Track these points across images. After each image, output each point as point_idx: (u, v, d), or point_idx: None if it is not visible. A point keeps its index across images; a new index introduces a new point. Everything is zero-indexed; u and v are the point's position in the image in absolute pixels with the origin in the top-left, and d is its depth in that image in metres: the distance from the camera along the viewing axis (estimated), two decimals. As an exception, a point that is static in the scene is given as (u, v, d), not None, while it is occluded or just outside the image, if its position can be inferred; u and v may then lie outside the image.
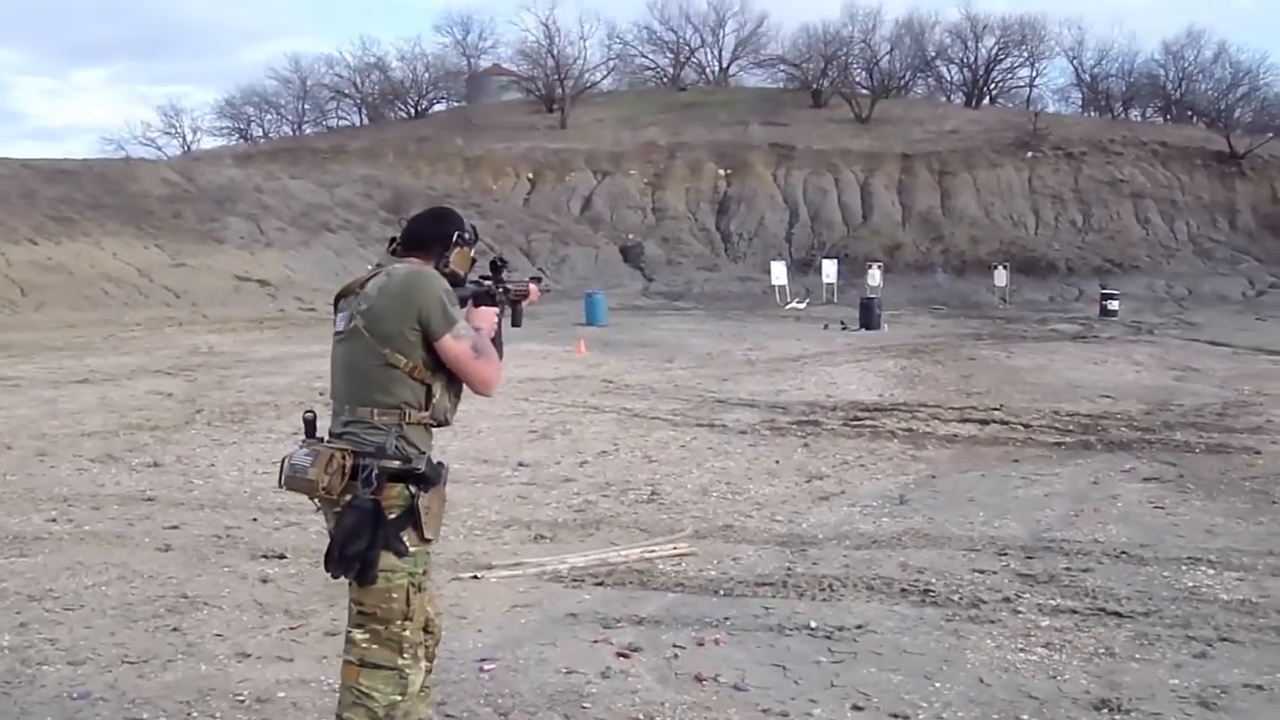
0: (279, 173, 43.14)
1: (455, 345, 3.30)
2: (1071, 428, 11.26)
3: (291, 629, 5.30)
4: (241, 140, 66.01)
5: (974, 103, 59.28)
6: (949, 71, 64.12)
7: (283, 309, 29.80)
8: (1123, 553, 6.63)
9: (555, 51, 57.40)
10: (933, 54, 61.65)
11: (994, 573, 6.25)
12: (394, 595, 3.29)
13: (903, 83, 62.13)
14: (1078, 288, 37.33)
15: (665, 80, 65.85)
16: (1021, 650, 5.01)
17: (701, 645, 5.09)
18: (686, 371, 16.64)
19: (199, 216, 36.03)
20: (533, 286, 3.90)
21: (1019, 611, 5.54)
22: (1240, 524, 7.39)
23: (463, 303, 3.48)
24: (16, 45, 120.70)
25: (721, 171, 46.33)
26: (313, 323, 24.55)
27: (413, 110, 62.80)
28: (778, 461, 9.71)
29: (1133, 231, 41.95)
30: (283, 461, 3.33)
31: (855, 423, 11.60)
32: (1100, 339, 23.20)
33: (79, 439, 10.47)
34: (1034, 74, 62.50)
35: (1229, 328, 25.73)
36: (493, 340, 3.51)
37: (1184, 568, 6.29)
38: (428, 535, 3.32)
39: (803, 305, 34.17)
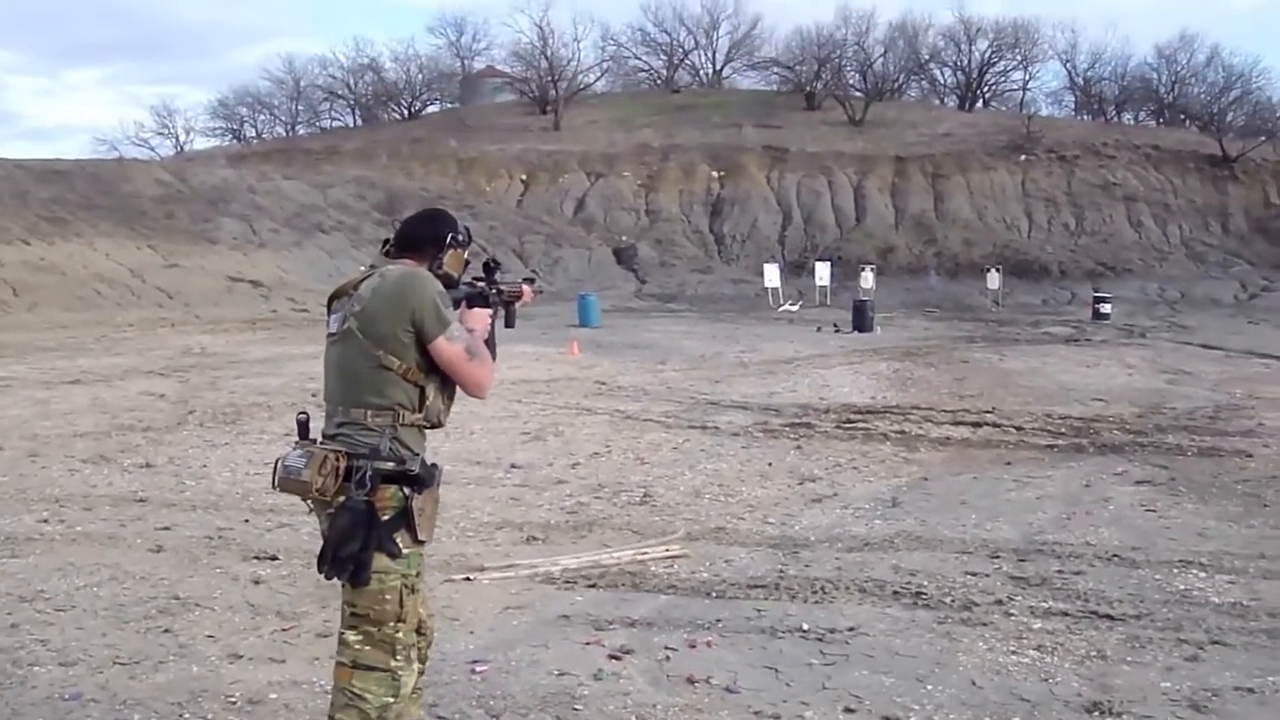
0: (272, 173, 43.09)
1: (449, 347, 3.30)
2: (1064, 430, 11.28)
3: (283, 630, 5.29)
4: (235, 141, 65.93)
5: (967, 106, 59.35)
6: (942, 74, 64.23)
7: (275, 310, 29.76)
8: (1115, 555, 6.64)
9: (549, 53, 57.42)
10: (926, 57, 61.73)
11: (986, 575, 6.26)
12: (387, 597, 3.29)
13: (896, 85, 62.23)
14: (1070, 291, 37.38)
15: (659, 82, 65.81)
16: (1013, 653, 5.02)
17: (694, 647, 5.09)
18: (679, 373, 16.65)
19: (192, 217, 35.98)
20: (526, 288, 3.90)
21: (1011, 614, 5.55)
22: (1232, 527, 7.40)
23: (456, 304, 3.48)
24: (9, 45, 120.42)
25: (715, 173, 46.34)
26: (305, 324, 24.51)
27: (406, 111, 62.72)
28: (770, 464, 9.72)
29: (1125, 235, 42.03)
30: (276, 463, 3.33)
31: (848, 425, 11.61)
32: (1093, 342, 23.24)
33: (71, 440, 10.45)
34: (1027, 77, 62.63)
35: (1221, 331, 25.80)
36: (486, 342, 3.51)
37: (1176, 571, 6.30)
38: (421, 537, 3.32)
39: (796, 307, 34.19)
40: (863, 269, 35.37)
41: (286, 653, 5.00)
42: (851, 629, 5.33)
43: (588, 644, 5.13)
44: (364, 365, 3.29)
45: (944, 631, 5.30)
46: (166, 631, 5.26)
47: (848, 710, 4.41)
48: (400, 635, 3.33)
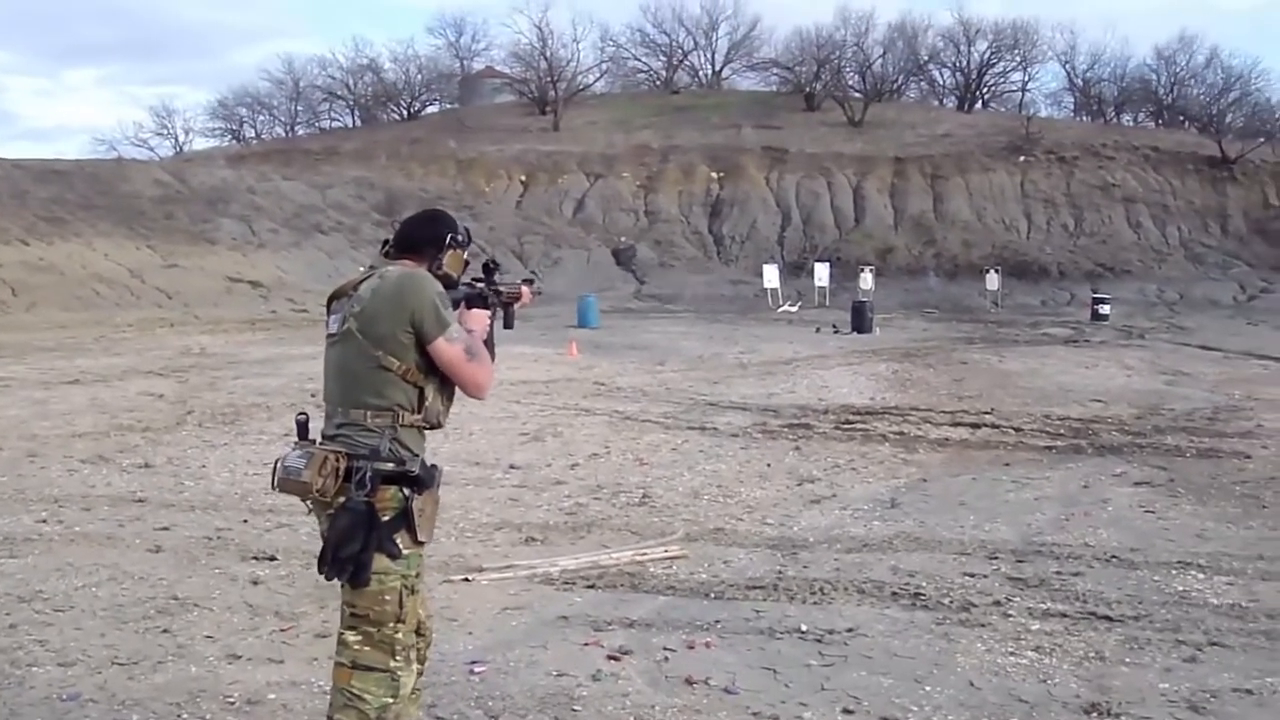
0: (271, 174, 43.09)
1: (448, 348, 3.30)
2: (1062, 432, 11.29)
3: (282, 631, 5.29)
4: (234, 141, 65.94)
5: (966, 107, 59.36)
6: (941, 75, 64.26)
7: (275, 310, 29.77)
8: (1113, 557, 6.64)
9: (548, 54, 57.43)
10: (925, 58, 61.76)
11: (984, 576, 6.26)
12: (387, 598, 3.29)
13: (895, 86, 62.24)
14: (1069, 292, 37.41)
15: (658, 83, 65.81)
16: (1012, 654, 5.02)
17: (692, 648, 5.09)
18: (678, 374, 16.65)
19: (191, 217, 35.99)
20: (525, 289, 3.90)
21: (1009, 615, 5.55)
22: (1230, 528, 7.41)
23: (455, 305, 3.48)
24: (8, 45, 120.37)
25: (714, 174, 46.34)
26: (305, 324, 24.51)
27: (405, 112, 62.73)
28: (769, 465, 9.72)
29: (1124, 236, 42.04)
30: (276, 464, 3.33)
31: (846, 426, 11.61)
32: (1091, 343, 23.26)
33: (70, 440, 10.44)
34: (1026, 78, 62.63)
35: (1220, 332, 25.81)
36: (485, 343, 3.51)
37: (1174, 572, 6.31)
38: (421, 538, 3.32)
39: (795, 308, 34.20)
40: (862, 270, 35.38)
41: (285, 653, 5.00)
42: (850, 630, 5.33)
43: (586, 645, 5.13)
44: (363, 366, 3.29)
45: (942, 632, 5.31)
46: (165, 632, 5.26)
47: (846, 711, 4.41)
48: (399, 636, 3.33)
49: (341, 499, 3.23)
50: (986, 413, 12.46)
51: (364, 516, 3.22)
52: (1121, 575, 6.26)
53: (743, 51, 65.93)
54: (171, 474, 9.01)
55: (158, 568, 6.31)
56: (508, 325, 3.88)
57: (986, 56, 60.45)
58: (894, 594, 5.89)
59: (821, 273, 36.35)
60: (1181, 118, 57.44)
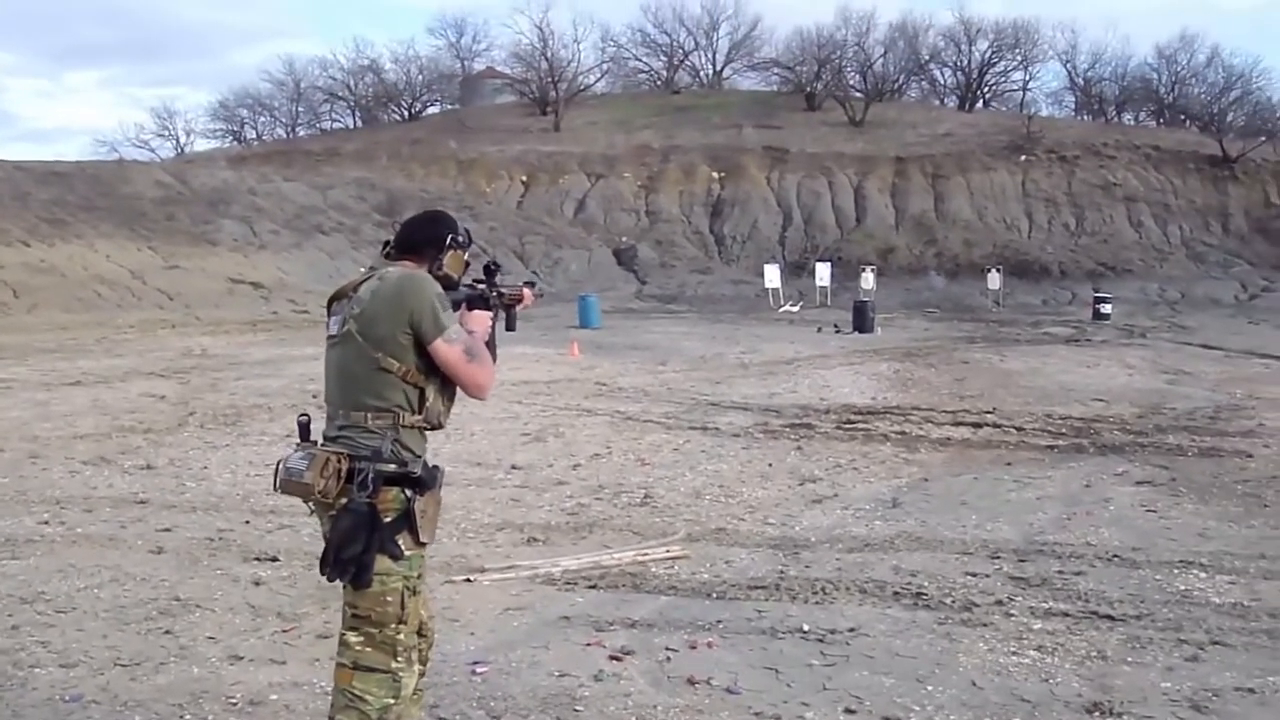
0: (272, 175, 43.12)
1: (448, 349, 3.30)
2: (1064, 431, 11.28)
3: (284, 632, 5.30)
4: (235, 142, 66.04)
5: (967, 106, 59.36)
6: (942, 75, 64.34)
7: (276, 311, 29.78)
8: (1115, 556, 6.64)
9: (549, 54, 57.51)
10: (926, 57, 61.83)
11: (986, 576, 6.26)
12: (389, 598, 3.29)
13: (896, 86, 62.29)
14: (1071, 291, 37.40)
15: (659, 83, 65.87)
16: (1014, 653, 5.02)
17: (694, 648, 5.09)
18: (680, 374, 16.65)
19: (192, 219, 36.00)
20: (526, 291, 3.89)
21: (1011, 614, 5.55)
22: (1232, 527, 7.40)
23: (456, 306, 3.48)
24: (9, 47, 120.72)
25: (715, 174, 46.37)
26: (306, 325, 24.52)
27: (406, 113, 62.81)
28: (770, 464, 9.72)
29: (1125, 235, 42.04)
30: (278, 465, 3.33)
31: (848, 426, 11.61)
32: (1093, 342, 23.25)
33: (71, 441, 10.45)
34: (1027, 78, 62.73)
35: (1221, 331, 25.80)
36: (486, 344, 3.51)
37: (1176, 571, 6.30)
38: (423, 539, 3.32)
39: (796, 308, 34.20)
40: (863, 269, 35.39)
41: (287, 654, 5.00)
42: (852, 630, 5.33)
43: (588, 645, 5.13)
44: (364, 367, 3.29)
45: (944, 632, 5.30)
46: (167, 633, 5.26)
47: (848, 711, 4.41)
48: (401, 637, 3.33)
49: (343, 500, 3.23)
50: (988, 412, 12.46)
51: (366, 518, 3.22)
52: (1123, 574, 6.26)
53: (744, 51, 66.07)
54: (173, 475, 9.02)
55: (160, 569, 6.31)
56: (509, 327, 3.88)
57: (987, 56, 60.56)
58: (896, 594, 5.89)
59: (823, 272, 36.35)
60: (1183, 117, 57.45)
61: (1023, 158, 45.93)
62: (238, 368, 16.87)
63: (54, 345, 20.18)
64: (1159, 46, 61.43)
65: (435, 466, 3.39)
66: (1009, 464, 9.72)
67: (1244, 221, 42.42)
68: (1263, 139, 45.46)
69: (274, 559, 6.50)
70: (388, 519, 3.25)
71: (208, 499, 8.15)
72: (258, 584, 6.04)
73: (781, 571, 6.35)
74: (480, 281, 3.70)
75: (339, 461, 3.21)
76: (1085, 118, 59.93)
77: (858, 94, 55.93)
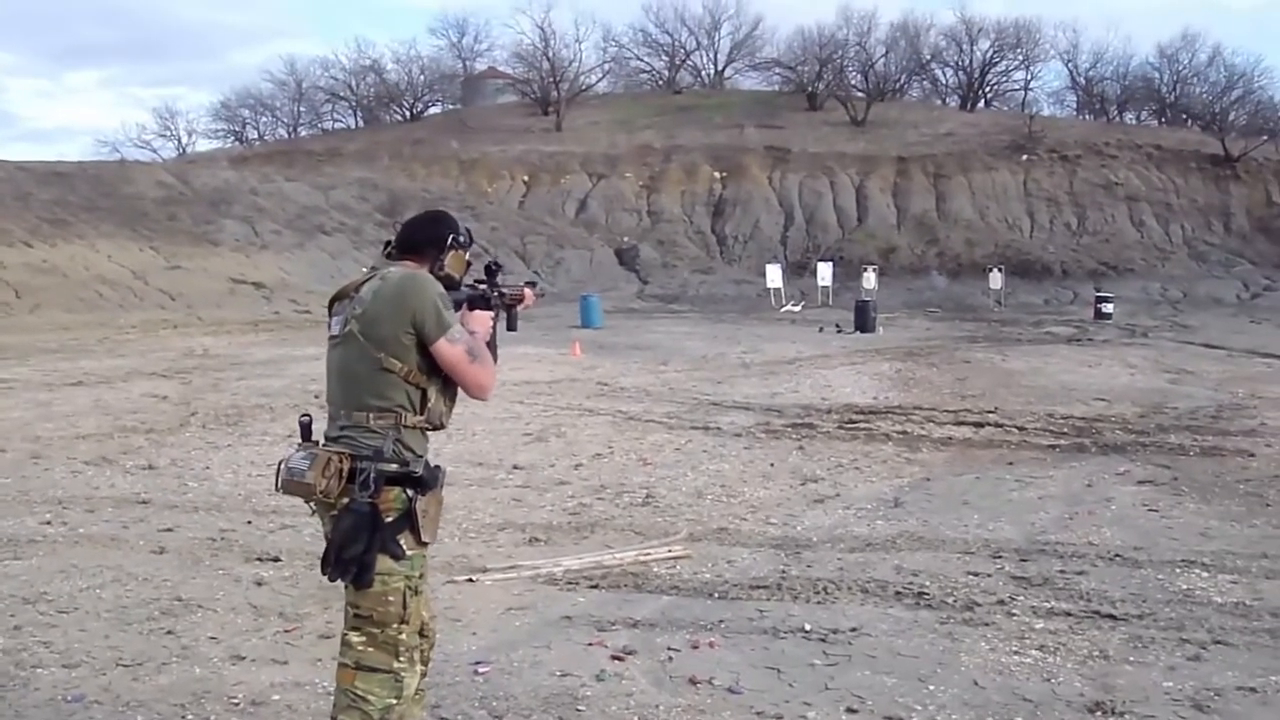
0: (274, 175, 43.12)
1: (450, 349, 3.30)
2: (1066, 430, 11.28)
3: (286, 632, 5.30)
4: (236, 143, 66.09)
5: (969, 106, 59.33)
6: (944, 74, 64.25)
7: (278, 311, 29.78)
8: (1117, 555, 6.64)
9: (550, 54, 57.52)
10: (928, 57, 61.78)
11: (988, 575, 6.26)
12: (390, 598, 3.29)
13: (898, 86, 62.25)
14: (1072, 290, 37.39)
15: (660, 83, 65.85)
16: (1016, 653, 5.02)
17: (696, 648, 5.09)
18: (681, 374, 16.64)
19: (194, 219, 35.99)
20: (528, 291, 3.90)
21: (1013, 614, 5.55)
22: (1234, 527, 7.40)
23: (458, 306, 3.48)
24: (9, 47, 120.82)
25: (717, 174, 46.36)
26: (307, 325, 24.52)
27: (408, 113, 62.83)
28: (772, 464, 9.72)
29: (1127, 234, 42.02)
30: (279, 465, 3.33)
31: (850, 425, 11.61)
32: (1095, 342, 23.24)
33: (73, 441, 10.45)
34: (1029, 77, 62.64)
35: (1223, 330, 25.79)
36: (488, 344, 3.51)
37: (1178, 570, 6.30)
38: (425, 538, 3.33)
39: (798, 308, 34.19)
40: (865, 269, 35.38)
41: (289, 654, 5.00)
42: (854, 629, 5.33)
43: (590, 645, 5.13)
44: (366, 368, 3.30)
45: (946, 632, 5.30)
46: (169, 633, 5.26)
47: (850, 711, 4.41)
48: (403, 637, 3.33)
49: (345, 500, 3.23)
50: (990, 412, 12.45)
51: (367, 518, 3.23)
52: (1125, 574, 6.26)
53: (745, 51, 66.03)
54: (175, 475, 9.02)
55: (162, 569, 6.31)
56: (511, 327, 3.88)
57: (989, 55, 60.47)
58: (898, 593, 5.89)
59: (824, 272, 36.34)
60: (1184, 116, 57.41)
61: (1024, 157, 45.91)
62: (240, 368, 16.88)
63: (56, 345, 20.19)
64: (1161, 46, 61.58)
65: (437, 466, 3.40)
66: (1011, 463, 9.72)
67: (1246, 221, 42.40)
68: (1264, 138, 45.41)
69: (276, 559, 6.50)
70: (389, 519, 3.25)
71: (210, 499, 8.15)
72: (260, 584, 6.05)
73: (783, 571, 6.35)
74: (481, 281, 3.70)
75: (341, 461, 3.21)
76: (1087, 117, 59.89)
77: (859, 94, 55.91)
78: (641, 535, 7.22)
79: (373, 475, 3.21)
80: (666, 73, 66.20)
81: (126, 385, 14.62)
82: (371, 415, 3.28)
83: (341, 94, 65.55)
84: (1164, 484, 8.76)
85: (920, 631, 5.31)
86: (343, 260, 34.98)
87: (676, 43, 65.91)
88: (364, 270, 3.52)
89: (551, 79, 56.55)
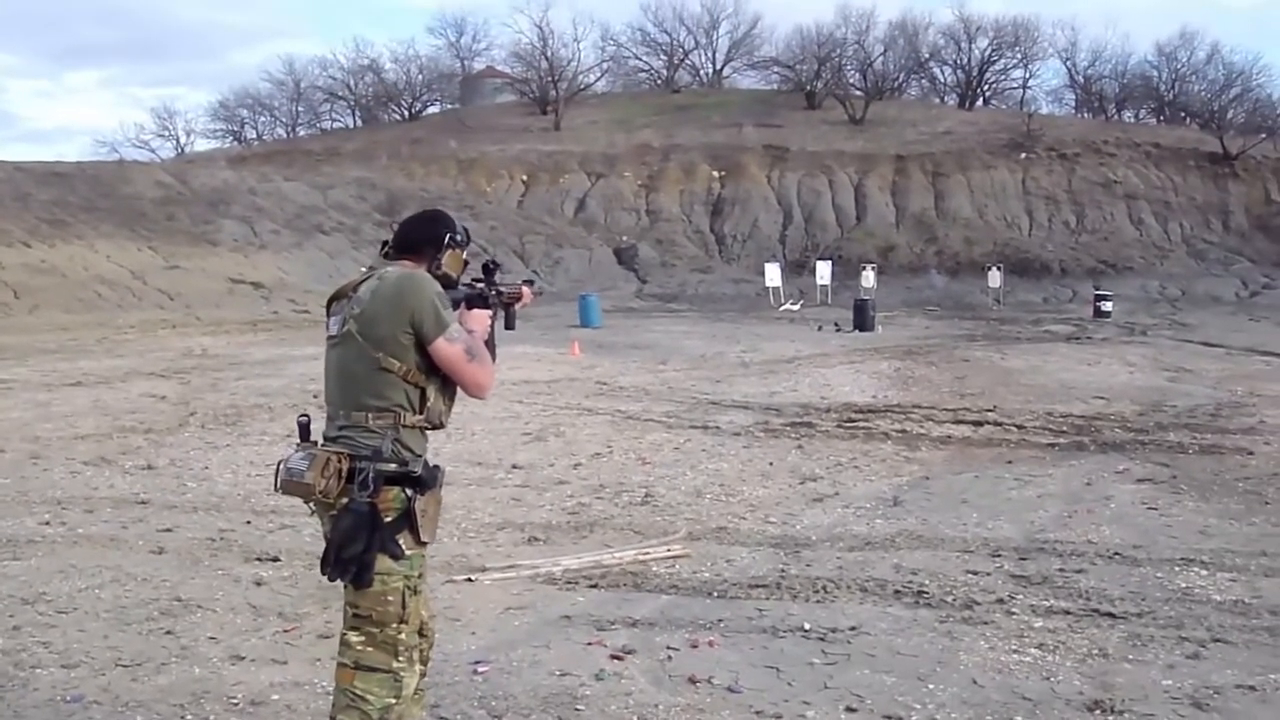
0: (272, 175, 43.11)
1: (448, 348, 3.30)
2: (1065, 429, 11.28)
3: (285, 632, 5.30)
4: (235, 142, 66.09)
5: (968, 104, 59.29)
6: (942, 73, 64.24)
7: (276, 311, 29.77)
8: (1116, 554, 6.64)
9: (549, 53, 57.49)
10: (926, 55, 61.74)
11: (987, 574, 6.26)
12: (389, 598, 3.29)
13: (896, 84, 62.28)
14: (1071, 289, 37.39)
15: (659, 82, 65.85)
16: (1015, 651, 5.02)
17: (695, 647, 5.09)
18: (680, 373, 16.64)
19: (192, 219, 35.99)
20: (525, 289, 3.90)
21: (1012, 613, 5.55)
22: (1233, 525, 7.40)
23: (455, 305, 3.48)
24: (8, 47, 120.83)
25: (715, 173, 46.35)
26: (306, 325, 24.51)
27: (406, 112, 62.80)
28: (771, 463, 9.72)
29: (1126, 232, 42.02)
30: (278, 465, 3.33)
31: (849, 424, 11.61)
32: (1094, 340, 23.25)
33: (72, 442, 10.45)
34: (1027, 75, 62.60)
35: (1222, 328, 25.79)
36: (486, 343, 3.51)
37: (1177, 569, 6.30)
38: (424, 538, 3.33)
39: (797, 307, 34.19)
40: (864, 268, 35.37)
41: (288, 654, 5.00)
42: (853, 628, 5.33)
43: (589, 644, 5.13)
44: (364, 368, 3.29)
45: (945, 630, 5.30)
46: (168, 633, 5.26)
47: (849, 710, 4.41)
48: (402, 637, 3.34)
49: (344, 500, 3.23)
50: (989, 410, 12.45)
51: (366, 517, 3.23)
52: (1124, 572, 6.26)
53: (743, 50, 66.06)
54: (174, 475, 9.02)
55: (161, 569, 6.31)
56: (509, 326, 3.88)
57: (987, 54, 60.45)
58: (897, 592, 5.89)
59: (823, 271, 36.32)
60: (1183, 114, 57.42)
61: (1023, 155, 45.90)
62: (238, 368, 16.87)
63: (55, 346, 20.18)
64: (1159, 44, 61.70)
65: (436, 466, 3.40)
66: (1010, 462, 9.73)
67: (1244, 219, 42.41)
68: (1263, 136, 45.42)
69: (275, 559, 6.50)
70: (388, 519, 3.25)
71: (209, 499, 8.15)
72: (259, 584, 6.05)
73: (782, 570, 6.35)
74: (479, 280, 3.70)
75: (340, 461, 3.21)
76: (1085, 115, 59.89)
77: (858, 92, 55.91)
78: (640, 534, 7.22)
79: (372, 475, 3.21)
80: (665, 72, 66.21)
81: (125, 385, 14.61)
82: (370, 415, 3.28)
83: (340, 94, 65.58)
84: (1163, 482, 8.77)
85: (919, 630, 5.31)
86: (341, 260, 34.97)
87: (675, 42, 66.02)
88: (362, 270, 3.52)
89: (550, 78, 56.53)
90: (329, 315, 3.45)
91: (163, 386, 14.58)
